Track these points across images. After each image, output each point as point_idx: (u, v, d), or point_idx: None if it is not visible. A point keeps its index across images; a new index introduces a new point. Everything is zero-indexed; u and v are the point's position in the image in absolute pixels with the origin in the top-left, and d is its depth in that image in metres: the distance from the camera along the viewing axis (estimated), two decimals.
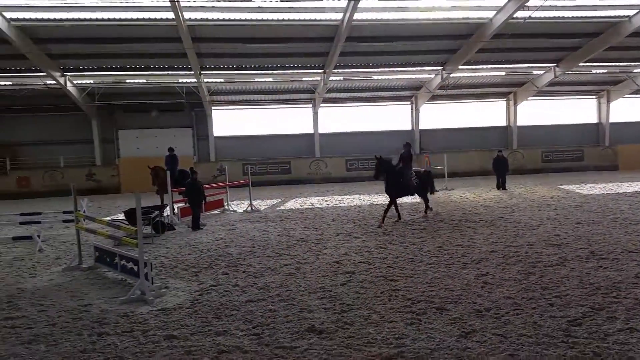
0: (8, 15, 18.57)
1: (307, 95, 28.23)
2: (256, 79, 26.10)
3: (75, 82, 24.30)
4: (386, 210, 12.66)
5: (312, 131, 28.78)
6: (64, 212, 13.03)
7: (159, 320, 6.03)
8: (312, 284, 7.29)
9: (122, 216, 13.44)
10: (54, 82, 23.13)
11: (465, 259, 8.45)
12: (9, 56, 21.14)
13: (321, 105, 28.25)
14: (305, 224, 13.10)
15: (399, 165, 12.72)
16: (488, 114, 30.43)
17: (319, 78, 25.76)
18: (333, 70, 24.43)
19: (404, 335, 5.24)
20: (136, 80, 25.17)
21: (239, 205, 17.38)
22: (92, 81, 24.74)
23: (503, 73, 27.20)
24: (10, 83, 24.17)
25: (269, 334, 5.43)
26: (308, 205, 17.52)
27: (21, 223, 13.48)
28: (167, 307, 6.48)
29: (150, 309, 6.46)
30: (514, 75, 27.61)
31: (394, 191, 12.58)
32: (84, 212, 12.57)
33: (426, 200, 13.50)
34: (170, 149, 17.52)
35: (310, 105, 28.74)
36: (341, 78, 26.47)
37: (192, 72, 23.56)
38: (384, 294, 6.68)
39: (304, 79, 26.20)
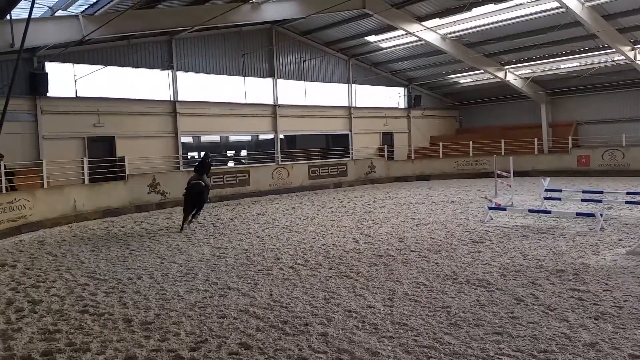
0: None
1: None
2: None
3: None
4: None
5: None
6: (628, 194, 12.57)
7: None
8: None
9: None
10: (622, 57, 22.26)
11: None
12: (579, 38, 21.94)
13: None
14: None
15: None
16: None
17: None
18: None
19: None
20: None
21: None
22: None
23: None
24: (578, 64, 25.10)
25: None
26: None
27: (583, 200, 14.06)
28: None
29: None
30: None
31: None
32: None
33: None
34: None
35: None
36: None
37: None
38: None
39: None
